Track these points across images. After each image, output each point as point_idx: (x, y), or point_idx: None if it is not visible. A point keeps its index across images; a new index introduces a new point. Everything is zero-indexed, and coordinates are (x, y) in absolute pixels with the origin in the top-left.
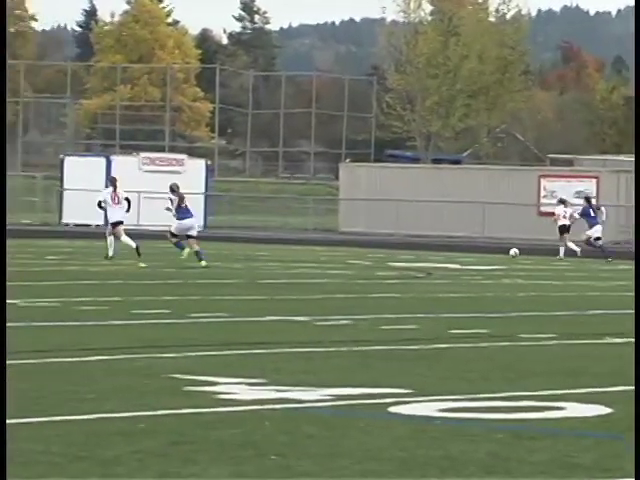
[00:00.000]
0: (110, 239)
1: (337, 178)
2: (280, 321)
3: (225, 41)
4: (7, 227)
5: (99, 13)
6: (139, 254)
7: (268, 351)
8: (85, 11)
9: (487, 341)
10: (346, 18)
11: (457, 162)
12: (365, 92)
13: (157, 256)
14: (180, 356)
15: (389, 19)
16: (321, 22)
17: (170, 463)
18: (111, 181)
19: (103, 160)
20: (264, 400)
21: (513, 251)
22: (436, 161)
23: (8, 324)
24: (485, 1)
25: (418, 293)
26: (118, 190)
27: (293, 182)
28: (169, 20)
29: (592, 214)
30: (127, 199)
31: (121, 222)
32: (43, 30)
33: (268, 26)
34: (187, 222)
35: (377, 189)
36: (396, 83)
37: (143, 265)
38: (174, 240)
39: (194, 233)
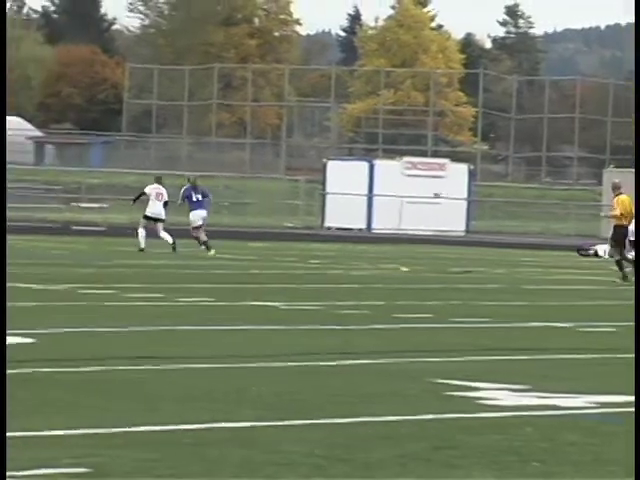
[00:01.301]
0: (164, 235)
1: (601, 184)
2: (543, 327)
3: (489, 45)
4: (271, 230)
5: (363, 18)
6: (142, 250)
7: (531, 357)
8: (350, 16)
9: None
10: (611, 23)
11: None
12: (630, 97)
13: (419, 260)
14: (442, 361)
15: None
16: (586, 26)
17: (432, 468)
18: (156, 179)
19: (366, 164)
20: (527, 406)
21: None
22: None
23: (270, 326)
24: None
25: None
26: (162, 187)
27: (556, 188)
28: (433, 24)
29: None
30: (166, 202)
31: (162, 220)
32: (308, 34)
33: (532, 30)
34: (198, 212)
35: None
36: None
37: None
38: (196, 234)
39: (202, 222)
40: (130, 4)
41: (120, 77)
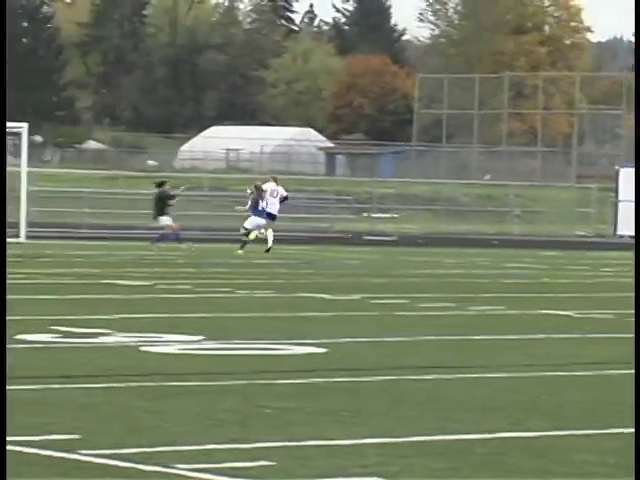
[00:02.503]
0: (268, 231)
1: None
2: None
3: None
4: (562, 239)
5: None
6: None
7: None
8: None
9: None
10: None
11: None
12: None
13: None
14: None
15: None
16: None
17: None
18: (273, 178)
19: None
20: None
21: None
22: None
23: (563, 335)
24: None
25: None
26: (279, 186)
27: None
28: None
29: None
30: (285, 197)
31: (274, 216)
32: (599, 41)
33: None
34: (256, 220)
35: None
36: None
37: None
38: (250, 235)
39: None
40: (420, 14)
41: (410, 87)
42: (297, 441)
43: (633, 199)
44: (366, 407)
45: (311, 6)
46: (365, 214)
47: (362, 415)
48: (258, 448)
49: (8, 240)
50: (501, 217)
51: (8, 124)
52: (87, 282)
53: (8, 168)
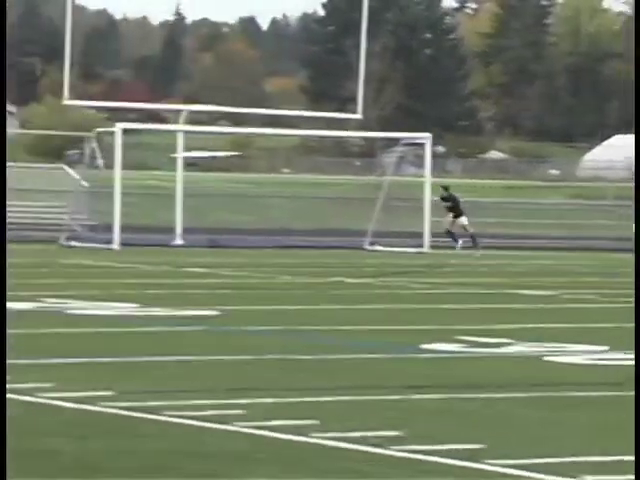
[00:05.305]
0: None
1: None
2: None
3: None
4: None
5: None
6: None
7: None
8: None
9: None
10: None
11: None
12: None
13: None
14: None
15: None
16: None
17: None
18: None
19: None
20: None
21: None
22: None
23: None
24: None
25: None
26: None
27: None
28: None
29: None
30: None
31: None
32: None
33: None
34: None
35: None
36: None
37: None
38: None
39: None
40: None
41: None
42: None
43: None
44: None
45: None
46: None
47: None
48: None
49: (412, 250)
50: None
51: (412, 135)
52: (491, 292)
53: (412, 179)
